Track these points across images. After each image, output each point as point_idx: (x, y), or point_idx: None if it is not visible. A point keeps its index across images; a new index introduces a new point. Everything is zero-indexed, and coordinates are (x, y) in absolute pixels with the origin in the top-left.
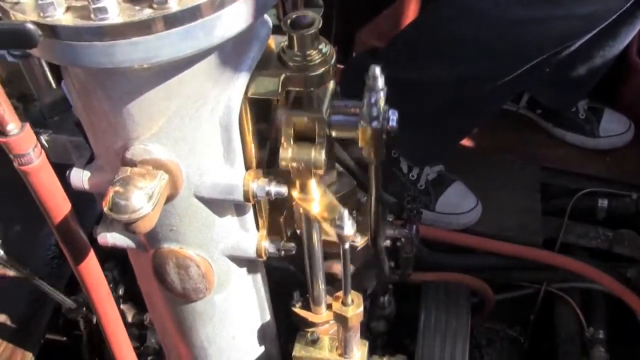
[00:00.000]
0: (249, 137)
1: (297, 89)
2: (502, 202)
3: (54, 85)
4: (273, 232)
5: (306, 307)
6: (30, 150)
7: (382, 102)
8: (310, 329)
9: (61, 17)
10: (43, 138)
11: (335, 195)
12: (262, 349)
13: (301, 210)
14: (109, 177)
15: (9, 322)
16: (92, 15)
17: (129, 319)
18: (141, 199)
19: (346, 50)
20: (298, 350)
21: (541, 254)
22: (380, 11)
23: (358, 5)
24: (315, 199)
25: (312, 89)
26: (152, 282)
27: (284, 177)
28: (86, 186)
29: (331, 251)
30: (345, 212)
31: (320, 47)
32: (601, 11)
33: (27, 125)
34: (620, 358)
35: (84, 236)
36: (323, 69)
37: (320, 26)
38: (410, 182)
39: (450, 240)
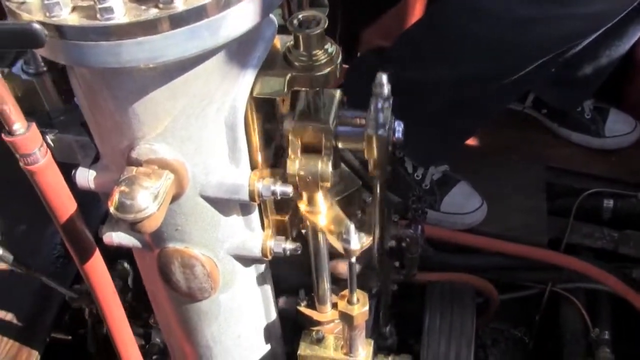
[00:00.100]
0: (255, 137)
1: (303, 89)
2: (507, 202)
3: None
4: (278, 231)
5: (311, 305)
6: (36, 149)
7: (388, 110)
8: (316, 328)
9: (67, 17)
10: (49, 137)
11: (341, 195)
12: (267, 347)
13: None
14: (114, 176)
15: (14, 321)
16: (98, 15)
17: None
18: (147, 199)
19: (351, 50)
20: (303, 349)
21: (546, 254)
22: (385, 11)
23: (363, 4)
24: (322, 212)
25: (317, 88)
26: (157, 282)
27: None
28: (92, 186)
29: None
30: (352, 227)
31: (326, 46)
32: (607, 11)
33: (33, 125)
34: (626, 358)
35: (90, 235)
36: (329, 69)
37: (326, 26)
38: (415, 182)
39: (455, 240)
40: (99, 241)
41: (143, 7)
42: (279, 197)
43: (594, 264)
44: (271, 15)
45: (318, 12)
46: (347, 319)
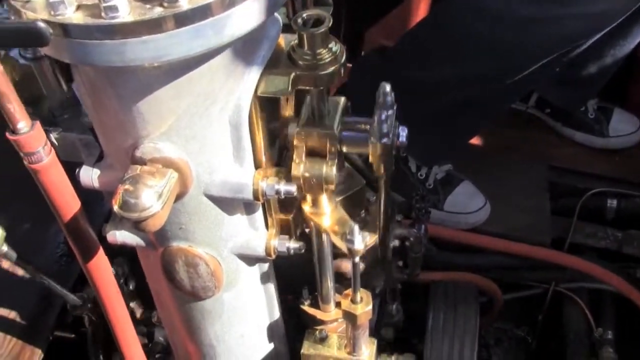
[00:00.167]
0: (259, 136)
1: (307, 87)
2: (511, 202)
3: (65, 87)
4: (282, 230)
5: (315, 304)
6: (40, 148)
7: (392, 118)
8: (319, 327)
9: (72, 15)
10: (53, 136)
11: (344, 194)
12: (270, 347)
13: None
14: (118, 175)
15: (17, 319)
16: (103, 14)
17: (138, 316)
18: (151, 198)
19: (355, 49)
20: (307, 347)
21: (549, 253)
22: (389, 10)
23: (367, 4)
24: (327, 213)
25: (321, 87)
26: (161, 280)
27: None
28: (96, 184)
29: (340, 250)
30: (356, 227)
31: (330, 45)
32: (612, 10)
33: (37, 124)
34: (629, 358)
35: (93, 234)
36: (333, 68)
37: (330, 25)
38: (419, 181)
39: (458, 240)
40: (102, 240)
41: (148, 6)
42: (282, 196)
43: (597, 263)
44: (276, 14)
45: (322, 11)
46: (350, 318)
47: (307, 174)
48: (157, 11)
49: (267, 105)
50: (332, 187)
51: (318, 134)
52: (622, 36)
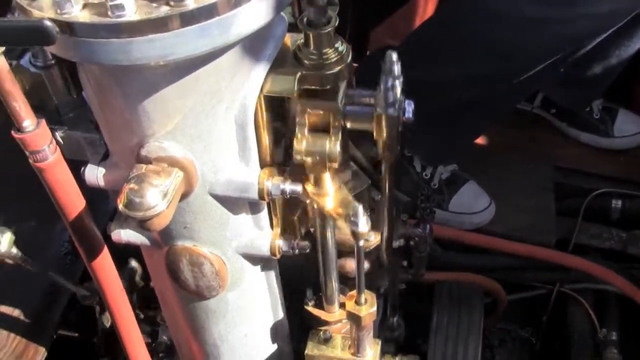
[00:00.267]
0: (265, 135)
1: (313, 87)
2: (516, 202)
3: (75, 95)
4: (287, 230)
5: (319, 305)
6: (46, 146)
7: (398, 89)
8: (323, 328)
9: (78, 14)
10: (58, 134)
11: (350, 194)
12: (274, 347)
13: (315, 207)
14: (123, 174)
15: (22, 317)
16: (109, 12)
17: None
18: (156, 197)
19: (361, 49)
20: (311, 348)
21: (554, 254)
22: (395, 10)
23: (373, 3)
24: (330, 194)
25: (327, 87)
26: (165, 280)
27: (299, 173)
28: (101, 183)
29: (344, 250)
30: (360, 208)
31: (336, 45)
32: (617, 11)
33: (43, 122)
34: (634, 359)
35: (98, 233)
36: (339, 68)
37: (336, 24)
38: (424, 181)
39: (463, 240)
40: (107, 238)
41: (154, 5)
42: (288, 196)
43: (602, 264)
44: (282, 13)
45: (328, 10)
46: (355, 319)
47: (309, 151)
48: (164, 10)
49: (272, 105)
50: (336, 164)
51: (322, 107)
52: (627, 36)
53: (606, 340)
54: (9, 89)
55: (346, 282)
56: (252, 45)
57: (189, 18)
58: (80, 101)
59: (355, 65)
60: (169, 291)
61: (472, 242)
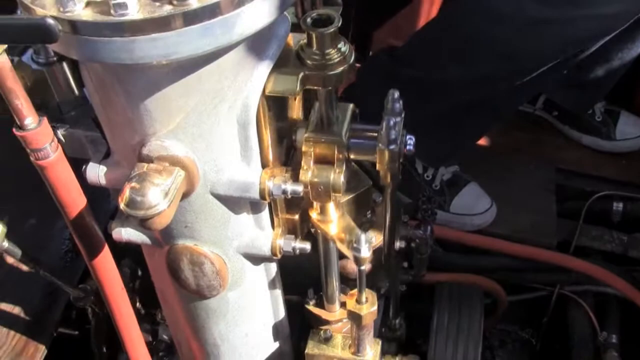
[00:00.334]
0: (266, 135)
1: (316, 87)
2: (517, 204)
3: (77, 92)
4: (288, 230)
5: (320, 304)
6: (47, 144)
7: (400, 126)
8: (324, 327)
9: (81, 12)
10: (60, 132)
11: (351, 194)
12: (275, 346)
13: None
14: (125, 172)
15: (22, 315)
16: (112, 11)
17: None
18: (157, 196)
19: (364, 49)
20: (311, 347)
21: (555, 256)
22: (398, 10)
23: (376, 4)
24: (334, 221)
25: (330, 87)
26: (165, 279)
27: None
28: (102, 181)
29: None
30: (363, 236)
31: (339, 45)
32: (620, 13)
33: (45, 120)
34: None
35: (99, 231)
36: (342, 68)
37: (339, 25)
38: (425, 182)
39: (464, 241)
40: (108, 237)
41: (157, 4)
42: (289, 196)
43: (603, 266)
44: (285, 13)
45: (331, 10)
46: (355, 318)
47: (315, 180)
48: (167, 9)
49: (275, 105)
50: (340, 195)
51: (326, 140)
52: (630, 39)
53: (606, 343)
54: (11, 87)
55: (347, 281)
56: (255, 44)
57: (192, 17)
58: (82, 99)
59: (358, 65)
60: (170, 290)
61: (473, 243)
